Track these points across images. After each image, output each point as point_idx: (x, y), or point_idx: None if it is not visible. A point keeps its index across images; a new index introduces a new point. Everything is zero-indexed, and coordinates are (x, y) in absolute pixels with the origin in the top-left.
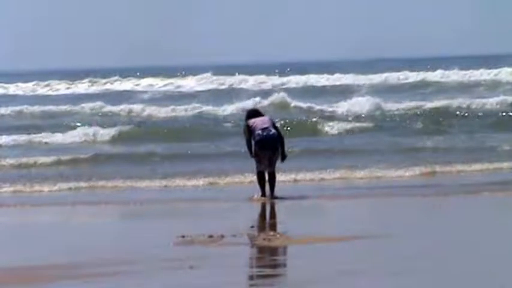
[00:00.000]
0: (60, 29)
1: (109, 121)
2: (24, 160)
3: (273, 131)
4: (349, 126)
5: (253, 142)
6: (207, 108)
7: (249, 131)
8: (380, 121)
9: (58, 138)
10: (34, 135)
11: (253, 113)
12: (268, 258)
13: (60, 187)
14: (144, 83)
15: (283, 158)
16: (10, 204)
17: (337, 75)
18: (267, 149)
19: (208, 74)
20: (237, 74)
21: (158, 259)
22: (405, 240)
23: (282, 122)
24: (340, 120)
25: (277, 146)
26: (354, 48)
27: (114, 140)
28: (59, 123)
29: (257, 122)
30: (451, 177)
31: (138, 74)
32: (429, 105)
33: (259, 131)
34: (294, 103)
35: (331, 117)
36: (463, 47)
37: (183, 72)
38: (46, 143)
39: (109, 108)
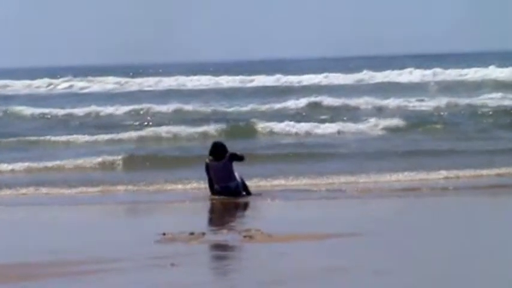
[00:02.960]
0: (52, 27)
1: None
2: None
3: (232, 184)
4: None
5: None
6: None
7: (207, 171)
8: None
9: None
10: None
11: (217, 150)
12: (250, 255)
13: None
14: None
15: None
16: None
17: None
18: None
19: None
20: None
21: (139, 257)
22: (387, 239)
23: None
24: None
25: (238, 196)
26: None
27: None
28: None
29: (214, 171)
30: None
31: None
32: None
33: (217, 186)
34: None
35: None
36: (445, 45)
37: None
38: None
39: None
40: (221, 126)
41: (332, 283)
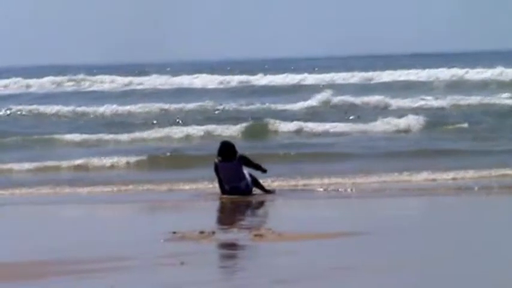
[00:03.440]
0: (45, 25)
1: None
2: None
3: (242, 184)
4: None
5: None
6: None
7: (216, 171)
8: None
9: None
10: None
11: (226, 150)
12: (260, 254)
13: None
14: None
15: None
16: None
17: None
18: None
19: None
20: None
21: (149, 255)
22: (397, 238)
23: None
24: None
25: (248, 195)
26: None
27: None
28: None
29: (223, 171)
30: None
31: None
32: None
33: (227, 186)
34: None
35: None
36: (430, 45)
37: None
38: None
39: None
40: (232, 125)
41: (342, 282)
